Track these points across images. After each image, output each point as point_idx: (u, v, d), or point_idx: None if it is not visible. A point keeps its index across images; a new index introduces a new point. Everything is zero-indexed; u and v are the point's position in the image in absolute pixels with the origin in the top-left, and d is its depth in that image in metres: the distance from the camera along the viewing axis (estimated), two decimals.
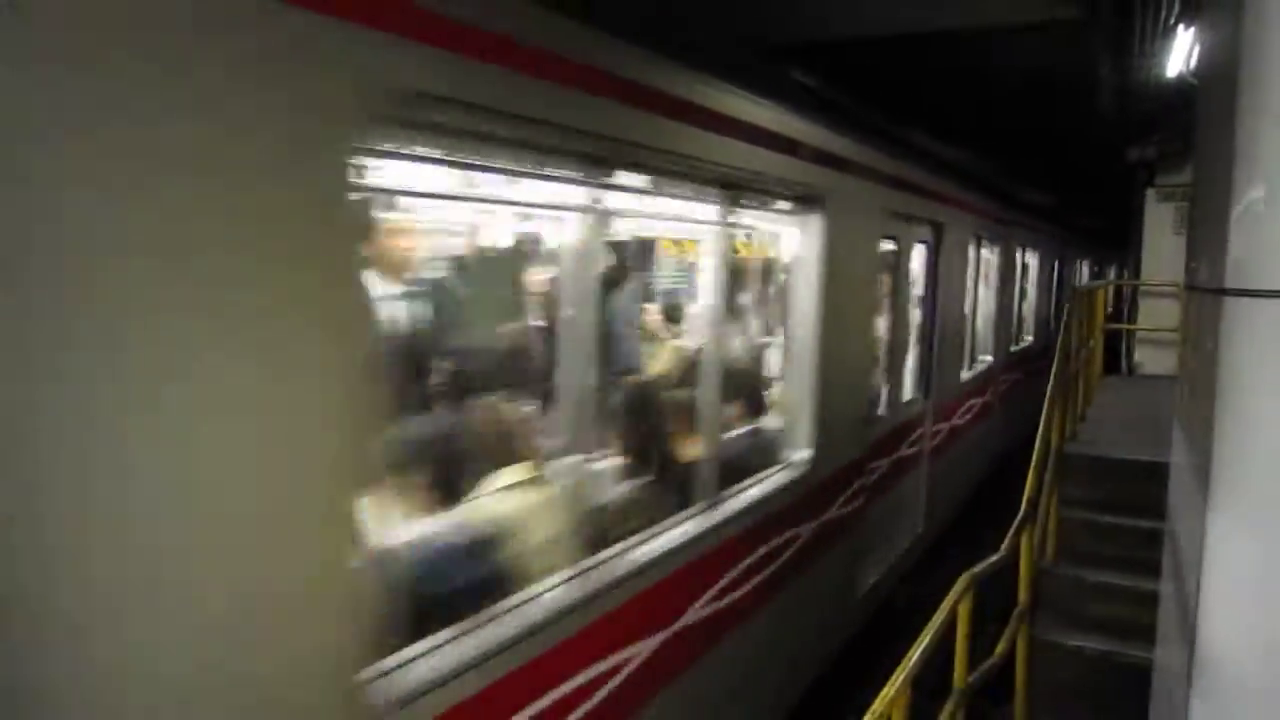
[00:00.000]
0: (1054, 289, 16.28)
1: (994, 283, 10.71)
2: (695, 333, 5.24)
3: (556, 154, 3.02)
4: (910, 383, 7.61)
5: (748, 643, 4.47)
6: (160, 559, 1.81)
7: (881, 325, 6.77)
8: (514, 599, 2.98)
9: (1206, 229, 2.92)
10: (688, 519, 3.99)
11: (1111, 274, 23.85)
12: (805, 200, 4.94)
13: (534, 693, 2.94)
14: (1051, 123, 9.97)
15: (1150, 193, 10.45)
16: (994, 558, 4.05)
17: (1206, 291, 2.63)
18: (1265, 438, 2.10)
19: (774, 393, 5.49)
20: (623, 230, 5.47)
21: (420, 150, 2.55)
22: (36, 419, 1.60)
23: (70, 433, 1.65)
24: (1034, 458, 4.88)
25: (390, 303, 3.84)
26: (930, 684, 3.91)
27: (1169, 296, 9.37)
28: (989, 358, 10.55)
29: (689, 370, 4.70)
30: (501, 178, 3.08)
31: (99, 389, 1.69)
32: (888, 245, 6.56)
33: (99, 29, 1.66)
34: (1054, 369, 5.68)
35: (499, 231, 5.26)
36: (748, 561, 4.41)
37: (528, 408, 3.62)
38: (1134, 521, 5.35)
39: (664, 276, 7.43)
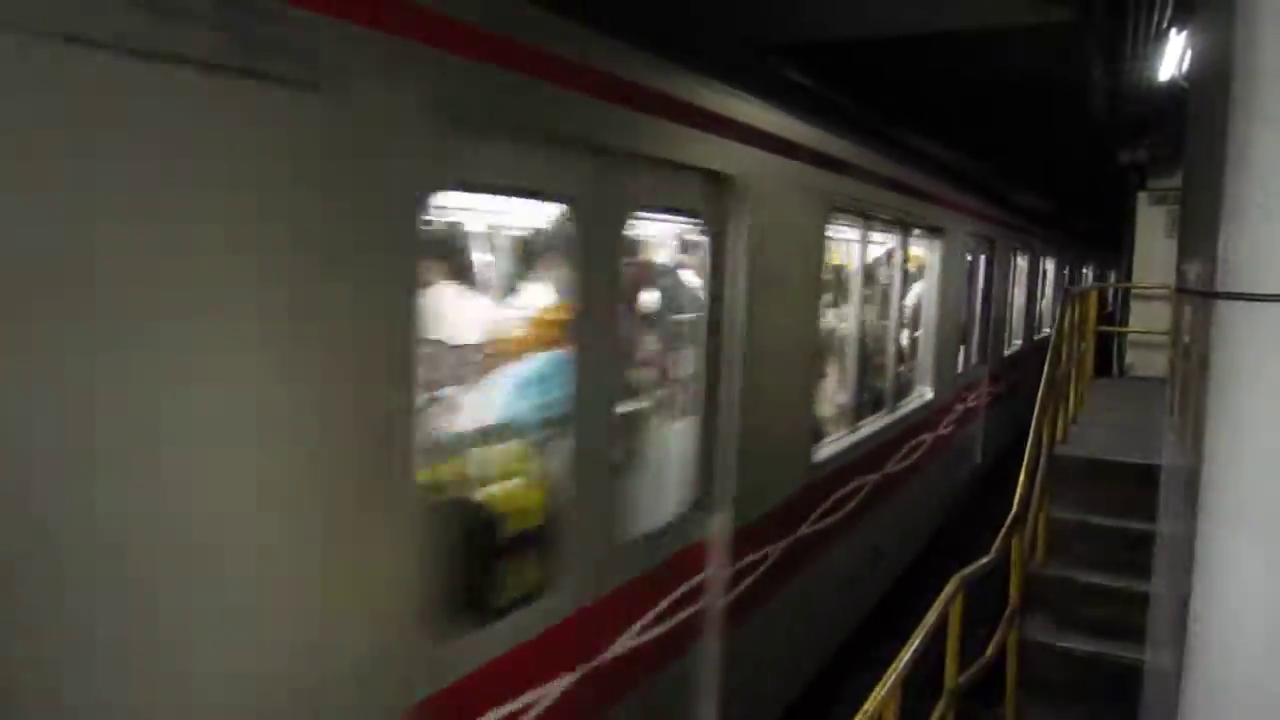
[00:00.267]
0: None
1: (1024, 285, 13.68)
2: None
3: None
4: (975, 351, 10.33)
5: (925, 488, 8.01)
6: None
7: (963, 311, 9.49)
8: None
9: (1197, 232, 2.93)
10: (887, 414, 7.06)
11: (1111, 277, 24.07)
12: (933, 230, 7.97)
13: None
14: (1045, 126, 10.03)
15: (1142, 196, 10.47)
16: (984, 560, 4.06)
17: (1197, 294, 2.64)
18: (1256, 440, 2.11)
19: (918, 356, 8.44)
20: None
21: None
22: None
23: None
24: (1025, 460, 4.89)
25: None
26: (920, 684, 3.92)
27: (1160, 299, 9.41)
28: (1020, 341, 13.45)
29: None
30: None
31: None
32: (968, 258, 9.54)
33: None
34: (1045, 372, 5.69)
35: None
36: (912, 442, 7.48)
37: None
38: (1124, 523, 5.37)
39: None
